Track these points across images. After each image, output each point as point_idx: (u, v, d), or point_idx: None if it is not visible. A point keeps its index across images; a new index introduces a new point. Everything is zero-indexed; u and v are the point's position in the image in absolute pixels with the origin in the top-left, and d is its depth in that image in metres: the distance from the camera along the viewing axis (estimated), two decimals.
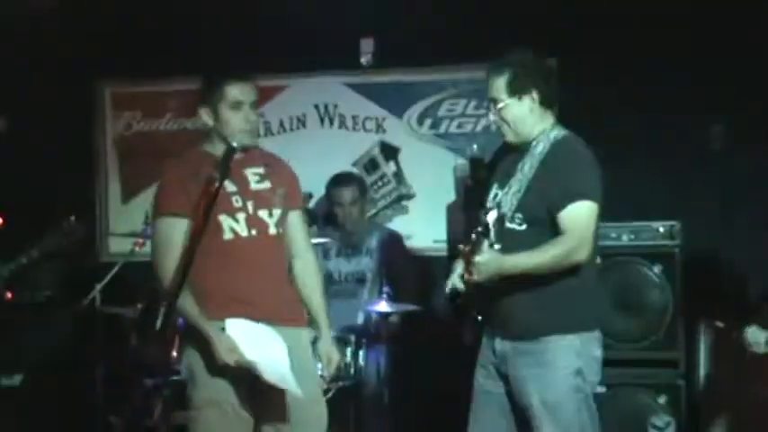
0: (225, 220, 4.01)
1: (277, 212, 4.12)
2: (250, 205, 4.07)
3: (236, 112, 4.04)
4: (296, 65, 6.84)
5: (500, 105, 4.00)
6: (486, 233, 3.80)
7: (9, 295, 6.16)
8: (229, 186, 4.01)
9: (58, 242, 5.22)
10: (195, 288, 3.90)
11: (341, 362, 4.38)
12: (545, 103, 4.00)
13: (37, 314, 6.42)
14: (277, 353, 3.96)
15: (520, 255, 3.85)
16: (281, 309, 4.09)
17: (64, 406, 6.42)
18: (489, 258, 3.81)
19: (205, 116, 4.11)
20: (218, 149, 4.01)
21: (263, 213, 4.09)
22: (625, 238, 5.73)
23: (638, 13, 6.13)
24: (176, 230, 3.95)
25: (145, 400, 5.73)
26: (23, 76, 6.74)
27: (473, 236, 3.87)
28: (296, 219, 4.24)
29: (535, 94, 3.98)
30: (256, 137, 4.17)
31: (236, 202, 4.05)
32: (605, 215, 3.98)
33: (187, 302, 3.88)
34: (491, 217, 3.81)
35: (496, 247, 3.80)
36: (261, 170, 4.17)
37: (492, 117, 4.07)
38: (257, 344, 3.93)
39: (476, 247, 3.84)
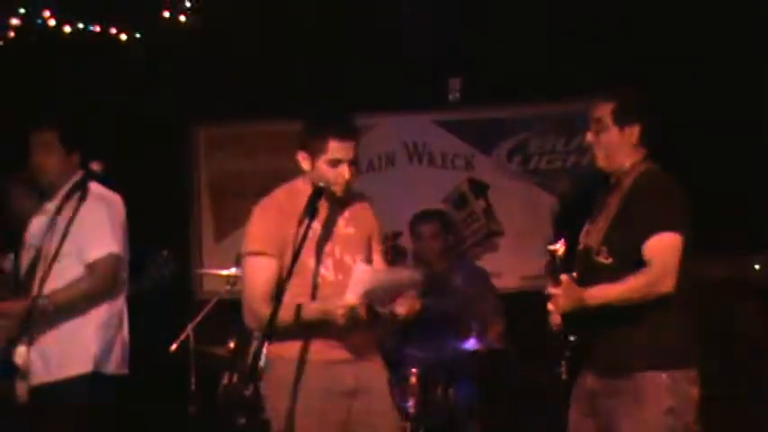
0: (312, 264, 4.04)
1: (360, 258, 4.13)
2: (337, 250, 4.09)
3: (332, 168, 4.05)
4: (385, 103, 6.89)
5: (602, 129, 3.99)
6: (556, 265, 3.79)
7: None
8: (320, 229, 4.05)
9: (153, 280, 5.30)
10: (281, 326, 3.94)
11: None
12: (644, 138, 3.98)
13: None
14: (404, 291, 3.99)
15: (601, 287, 3.82)
16: (364, 348, 4.10)
17: None
18: (565, 290, 3.79)
19: (302, 160, 4.13)
20: (309, 191, 4.06)
21: (348, 259, 4.09)
22: None
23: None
24: (263, 269, 3.99)
25: None
26: (120, 118, 6.89)
27: (546, 269, 3.86)
28: (377, 258, 4.26)
29: (637, 129, 3.96)
30: (348, 190, 4.15)
31: (324, 245, 4.08)
32: None
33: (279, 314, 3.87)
34: (559, 248, 3.80)
35: (563, 277, 3.78)
36: (348, 214, 4.18)
37: (589, 138, 4.04)
38: (383, 288, 3.95)
39: (551, 280, 3.83)
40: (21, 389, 4.34)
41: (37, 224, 4.63)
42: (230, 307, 6.19)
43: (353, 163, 4.08)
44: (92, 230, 4.50)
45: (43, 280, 4.22)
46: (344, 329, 3.97)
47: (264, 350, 3.76)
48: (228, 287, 6.32)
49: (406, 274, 4.04)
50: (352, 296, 3.86)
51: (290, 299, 3.83)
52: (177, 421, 6.30)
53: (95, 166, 4.23)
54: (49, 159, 4.64)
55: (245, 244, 4.14)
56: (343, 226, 4.15)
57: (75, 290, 4.49)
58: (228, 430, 5.82)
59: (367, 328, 4.05)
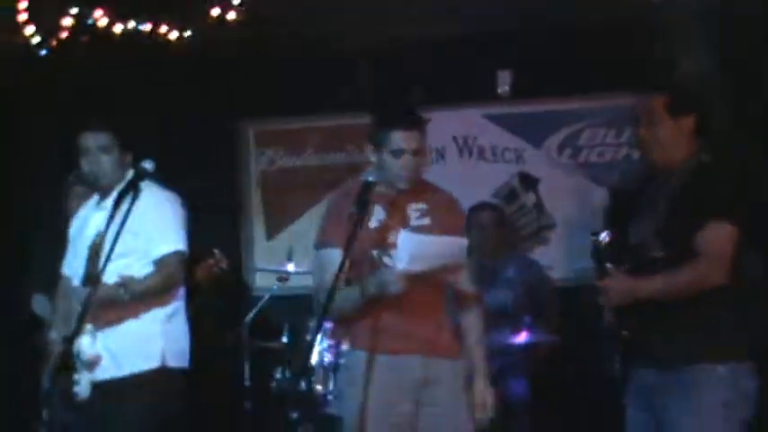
0: (379, 256, 4.06)
1: None
2: None
3: (395, 159, 4.10)
4: (434, 97, 6.89)
5: (655, 121, 3.95)
6: (600, 255, 3.78)
7: None
8: (388, 221, 4.08)
9: (206, 277, 5.35)
10: (348, 317, 4.02)
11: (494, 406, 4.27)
12: (700, 129, 3.94)
13: None
14: (453, 257, 3.99)
15: (652, 279, 3.80)
16: (432, 342, 4.11)
17: None
18: (615, 282, 3.78)
19: (369, 152, 4.21)
20: (378, 182, 4.10)
21: None
22: None
23: None
24: (330, 261, 4.03)
25: None
26: (169, 117, 6.94)
27: (594, 261, 3.85)
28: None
29: (692, 120, 3.93)
30: (413, 181, 4.18)
31: (392, 237, 4.08)
32: None
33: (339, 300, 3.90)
34: (603, 238, 3.78)
35: (609, 266, 3.77)
36: (423, 206, 4.20)
37: (642, 130, 4.01)
38: (431, 255, 3.95)
39: (599, 273, 3.82)
40: (83, 382, 4.39)
41: (94, 222, 4.68)
42: (283, 302, 6.27)
43: (417, 153, 4.11)
44: (159, 228, 4.56)
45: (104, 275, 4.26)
46: (412, 320, 4.04)
47: (331, 345, 3.81)
48: (280, 283, 6.37)
49: (452, 240, 4.03)
50: (401, 263, 3.89)
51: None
52: (233, 416, 6.34)
53: (148, 165, 4.27)
54: (102, 160, 4.69)
55: (316, 236, 4.22)
56: (416, 217, 4.17)
57: (147, 284, 4.55)
58: (283, 425, 5.86)
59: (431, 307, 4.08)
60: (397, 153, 4.09)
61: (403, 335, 4.06)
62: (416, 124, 4.15)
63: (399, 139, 4.08)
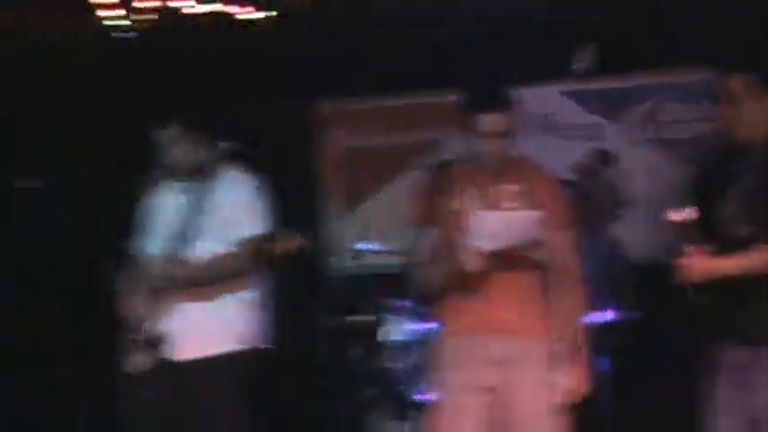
0: (463, 236, 4.02)
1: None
2: None
3: (482, 141, 4.04)
4: (511, 75, 6.82)
5: (736, 97, 3.86)
6: (679, 233, 3.71)
7: None
8: (476, 202, 4.05)
9: (281, 255, 5.37)
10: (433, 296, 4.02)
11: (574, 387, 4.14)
12: None
13: None
14: (530, 233, 3.95)
15: (734, 256, 3.72)
16: (518, 323, 4.07)
17: (292, 414, 6.59)
18: (696, 259, 3.71)
19: (459, 135, 4.12)
20: (466, 164, 4.09)
21: None
22: None
23: None
24: (420, 241, 4.02)
25: (366, 410, 5.81)
26: (246, 97, 6.98)
27: (673, 239, 3.78)
28: (556, 237, 4.11)
29: None
30: (501, 163, 4.07)
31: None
32: None
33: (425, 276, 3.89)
34: (682, 215, 3.71)
35: (690, 246, 3.70)
36: (516, 188, 4.12)
37: (723, 107, 3.91)
38: (506, 231, 3.93)
39: (679, 250, 3.75)
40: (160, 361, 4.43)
41: (176, 206, 4.71)
42: (358, 280, 6.29)
43: (504, 136, 4.04)
44: (241, 211, 4.58)
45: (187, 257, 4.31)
46: (495, 300, 3.99)
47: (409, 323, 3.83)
48: (355, 261, 6.38)
49: (526, 215, 3.98)
50: (478, 242, 3.87)
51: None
52: (310, 394, 6.39)
53: (227, 147, 4.30)
54: (180, 151, 4.69)
55: (407, 216, 4.18)
56: (507, 199, 4.11)
57: (229, 266, 4.58)
58: (359, 402, 5.88)
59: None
60: (482, 135, 4.01)
61: (485, 315, 4.04)
62: (504, 106, 4.05)
63: (486, 120, 3.99)
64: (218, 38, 6.79)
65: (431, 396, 4.17)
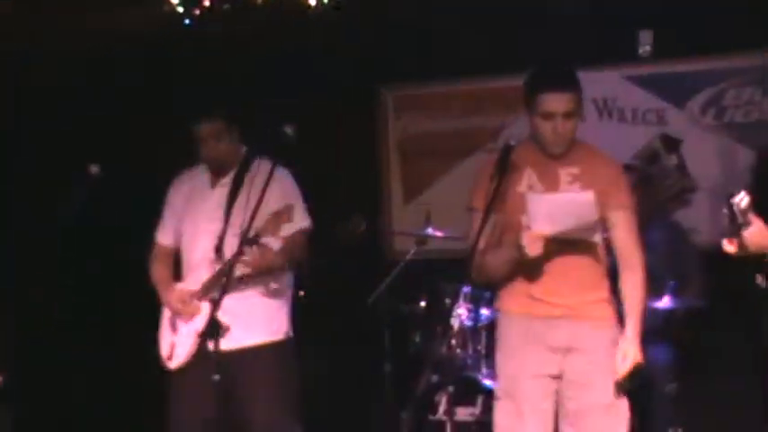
0: (525, 220, 4.02)
1: None
2: None
3: (545, 122, 4.02)
4: (573, 59, 6.77)
5: None
6: (736, 218, 3.66)
7: (301, 293, 6.43)
8: (537, 186, 4.04)
9: (346, 240, 5.40)
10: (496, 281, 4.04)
11: (639, 365, 4.12)
12: None
13: (327, 311, 6.65)
14: (586, 215, 3.92)
15: None
16: (581, 308, 4.06)
17: (356, 400, 6.63)
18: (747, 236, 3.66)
19: (525, 115, 4.15)
20: (528, 146, 4.10)
21: None
22: None
23: None
24: (482, 226, 4.00)
25: (430, 395, 5.82)
26: (309, 81, 7.00)
27: (730, 224, 3.74)
28: (617, 219, 4.13)
29: None
30: (564, 146, 4.10)
31: None
32: None
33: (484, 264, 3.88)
34: (741, 200, 3.66)
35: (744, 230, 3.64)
36: (576, 170, 4.12)
37: None
38: (561, 214, 3.90)
39: (729, 233, 3.70)
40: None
41: (214, 198, 4.76)
42: (421, 266, 6.29)
43: (569, 116, 4.03)
44: (279, 200, 4.61)
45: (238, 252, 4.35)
46: (558, 284, 4.02)
47: (471, 309, 3.83)
48: (419, 246, 6.38)
49: (581, 196, 3.96)
50: (535, 226, 3.85)
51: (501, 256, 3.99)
52: (374, 379, 6.40)
53: (288, 130, 4.33)
54: (219, 146, 4.74)
55: (468, 200, 4.20)
56: (568, 182, 4.10)
57: (275, 260, 4.63)
58: (426, 388, 5.88)
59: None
60: (547, 116, 4.00)
61: (548, 299, 4.04)
62: (569, 85, 4.05)
63: (549, 100, 3.99)
64: (282, 23, 6.81)
65: (496, 383, 4.18)
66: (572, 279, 4.06)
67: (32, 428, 6.49)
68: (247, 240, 4.34)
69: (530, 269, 4.02)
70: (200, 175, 4.90)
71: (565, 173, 4.10)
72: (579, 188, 4.06)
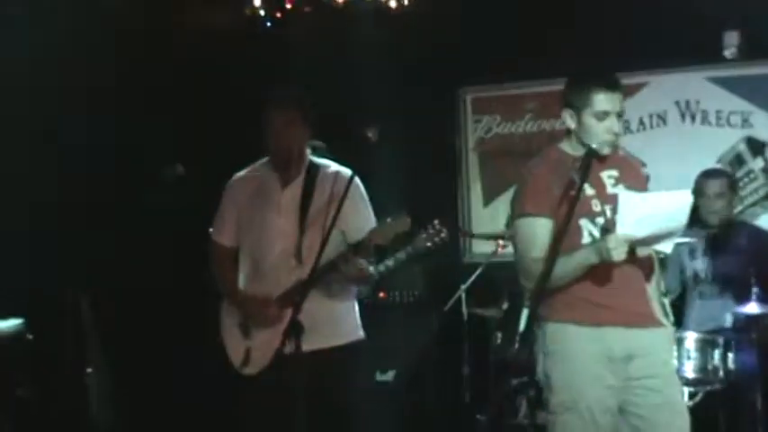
0: (585, 225, 3.96)
1: None
2: (608, 210, 3.98)
3: (600, 122, 3.96)
4: (656, 61, 6.71)
5: None
6: None
7: (382, 295, 6.45)
8: (588, 190, 3.97)
9: (425, 244, 5.40)
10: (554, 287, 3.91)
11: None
12: None
13: (407, 313, 6.65)
14: (679, 217, 3.86)
15: None
16: (638, 312, 4.00)
17: (433, 403, 6.62)
18: None
19: (568, 119, 4.05)
20: (576, 151, 4.02)
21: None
22: None
23: None
24: (537, 230, 3.95)
25: (510, 399, 5.80)
26: (389, 84, 7.01)
27: None
28: None
29: None
30: (616, 146, 4.07)
31: (596, 206, 3.98)
32: None
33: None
34: None
35: None
36: (615, 173, 4.07)
37: None
38: (655, 215, 3.82)
39: None
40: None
41: (288, 201, 4.72)
42: (500, 269, 6.26)
43: (620, 116, 4.00)
44: (358, 210, 4.60)
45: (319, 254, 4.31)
46: (616, 290, 3.92)
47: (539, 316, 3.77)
48: (498, 250, 6.35)
49: (681, 195, 3.89)
50: (623, 227, 3.78)
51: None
52: (452, 381, 6.40)
53: (370, 133, 4.32)
54: (290, 135, 4.69)
55: (518, 205, 4.10)
56: (612, 185, 4.05)
57: (371, 273, 4.69)
58: (501, 391, 5.87)
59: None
60: (602, 115, 3.95)
61: (606, 306, 3.96)
62: (620, 85, 4.01)
63: (604, 99, 3.94)
64: (361, 24, 6.83)
65: (554, 396, 4.06)
66: (629, 283, 3.99)
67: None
68: (354, 250, 4.34)
69: (593, 276, 3.94)
70: (265, 174, 4.83)
71: (606, 175, 4.05)
72: (623, 188, 4.02)
